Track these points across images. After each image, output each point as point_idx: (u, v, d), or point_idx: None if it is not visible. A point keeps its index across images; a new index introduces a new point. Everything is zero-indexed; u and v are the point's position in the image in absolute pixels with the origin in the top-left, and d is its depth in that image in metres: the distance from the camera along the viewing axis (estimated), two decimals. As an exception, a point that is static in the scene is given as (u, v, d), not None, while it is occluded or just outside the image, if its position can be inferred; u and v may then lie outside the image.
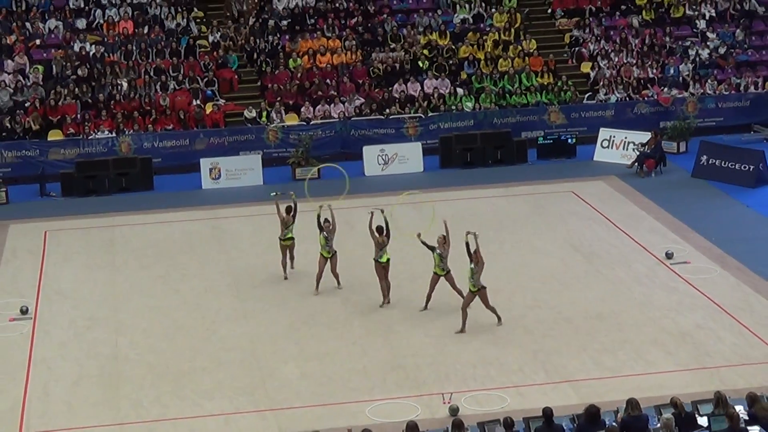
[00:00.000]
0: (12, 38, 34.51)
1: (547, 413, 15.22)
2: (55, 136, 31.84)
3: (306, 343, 20.24)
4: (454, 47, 35.81)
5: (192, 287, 23.20)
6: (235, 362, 19.51)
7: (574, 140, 32.80)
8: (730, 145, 31.12)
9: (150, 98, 33.06)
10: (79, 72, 33.60)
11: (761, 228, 25.94)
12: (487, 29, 36.75)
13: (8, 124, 31.72)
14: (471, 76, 34.88)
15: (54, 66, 33.75)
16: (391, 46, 35.71)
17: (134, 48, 34.66)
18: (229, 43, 35.40)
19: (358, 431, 14.97)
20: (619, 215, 26.94)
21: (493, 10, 37.48)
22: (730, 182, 29.24)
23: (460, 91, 34.27)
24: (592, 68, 35.71)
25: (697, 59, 36.02)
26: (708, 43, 36.61)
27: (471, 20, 37.17)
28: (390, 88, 34.13)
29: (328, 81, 34.31)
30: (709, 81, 35.09)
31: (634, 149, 31.40)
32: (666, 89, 34.74)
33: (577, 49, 36.58)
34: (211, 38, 35.66)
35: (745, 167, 29.43)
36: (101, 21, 35.72)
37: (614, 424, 15.09)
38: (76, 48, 34.34)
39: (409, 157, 31.84)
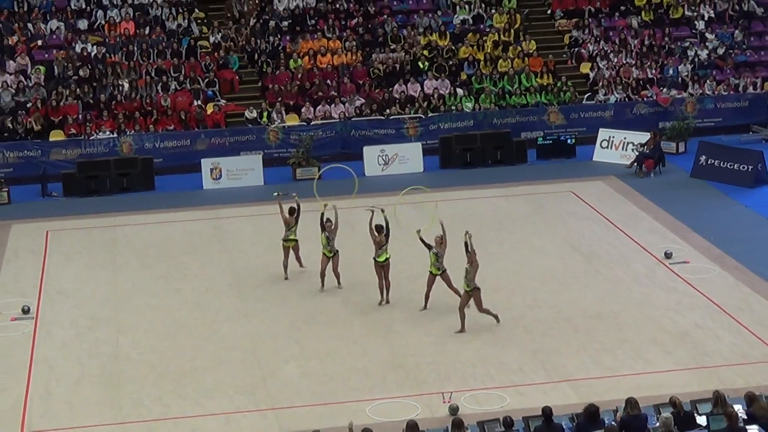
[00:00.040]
0: (14, 39, 34.59)
1: (547, 412, 15.26)
2: (56, 136, 31.91)
3: (306, 342, 20.31)
4: (454, 48, 35.89)
5: (193, 287, 23.28)
6: (236, 361, 19.57)
7: (573, 140, 32.87)
8: (728, 146, 31.18)
9: (151, 99, 33.14)
10: (81, 72, 33.68)
11: (760, 228, 26.00)
12: (487, 30, 36.82)
13: (10, 125, 31.79)
14: (471, 77, 34.95)
15: (56, 66, 33.82)
16: (392, 47, 35.78)
17: (135, 49, 34.72)
18: (230, 44, 35.47)
19: (358, 430, 15.01)
20: (619, 215, 27.01)
21: (493, 11, 37.54)
22: (728, 182, 29.30)
23: (459, 91, 34.34)
24: (592, 69, 35.78)
25: (696, 60, 36.09)
26: (707, 44, 36.68)
27: (471, 21, 37.24)
28: (390, 89, 34.21)
29: (328, 81, 34.38)
30: (707, 81, 35.16)
31: (633, 149, 31.47)
32: (665, 90, 34.81)
33: (576, 49, 36.66)
34: (212, 39, 35.74)
35: (743, 167, 29.49)
36: (103, 22, 35.79)
37: (613, 423, 15.14)
38: (78, 49, 34.41)
39: (409, 157, 31.92)
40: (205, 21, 36.88)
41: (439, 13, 37.23)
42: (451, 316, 20.58)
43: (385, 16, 36.87)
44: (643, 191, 28.90)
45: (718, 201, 28.27)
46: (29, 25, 35.32)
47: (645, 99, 34.56)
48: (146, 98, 33.15)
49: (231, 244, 25.84)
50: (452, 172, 31.60)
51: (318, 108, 33.41)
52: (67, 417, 17.84)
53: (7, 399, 18.47)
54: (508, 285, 22.69)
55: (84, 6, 36.27)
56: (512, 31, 36.62)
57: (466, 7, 37.62)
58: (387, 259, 21.74)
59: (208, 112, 33.16)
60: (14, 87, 33.00)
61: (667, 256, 23.83)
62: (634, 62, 35.75)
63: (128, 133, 32.08)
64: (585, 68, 36.02)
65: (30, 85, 33.24)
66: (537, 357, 19.36)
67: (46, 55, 34.43)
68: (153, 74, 34.01)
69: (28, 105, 32.51)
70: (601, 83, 34.86)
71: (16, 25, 35.10)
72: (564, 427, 15.52)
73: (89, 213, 28.56)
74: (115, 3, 36.15)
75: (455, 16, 37.34)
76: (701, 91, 34.96)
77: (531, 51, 35.96)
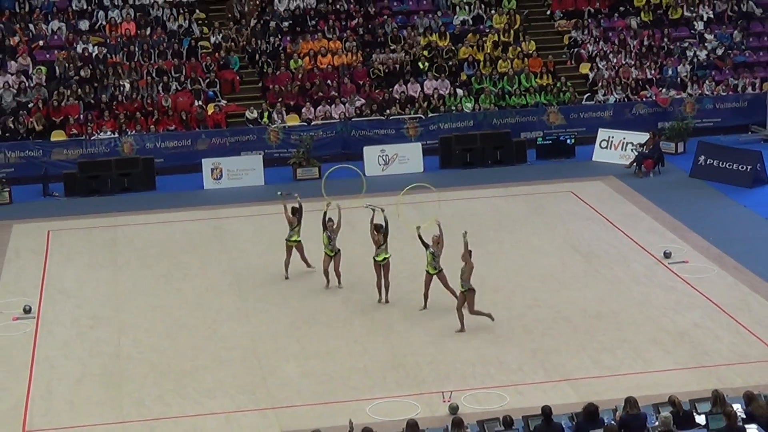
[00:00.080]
0: (15, 39, 34.66)
1: (546, 411, 15.29)
2: (58, 136, 31.99)
3: (307, 341, 20.37)
4: (453, 48, 35.95)
5: (194, 286, 23.33)
6: (236, 361, 19.63)
7: (573, 141, 32.93)
8: (727, 146, 31.23)
9: (152, 99, 33.21)
10: (82, 73, 33.75)
11: (758, 228, 26.05)
12: (487, 31, 36.88)
13: (11, 125, 31.86)
14: (471, 77, 35.02)
15: (57, 67, 33.89)
16: (392, 48, 35.84)
17: (136, 49, 34.79)
18: (230, 45, 35.54)
19: (359, 429, 15.07)
20: (618, 215, 27.06)
21: (493, 11, 37.60)
22: (727, 182, 29.36)
23: (459, 91, 34.41)
24: (591, 69, 35.85)
25: (695, 60, 36.16)
26: (706, 45, 36.75)
27: (470, 22, 37.30)
28: (390, 89, 34.28)
29: (328, 82, 34.45)
30: (706, 82, 35.22)
31: (632, 149, 31.53)
32: (664, 90, 34.87)
33: (575, 50, 36.72)
34: (212, 39, 35.81)
35: (742, 167, 29.54)
36: (104, 22, 35.84)
37: (613, 422, 15.16)
38: (79, 49, 34.47)
39: (409, 157, 31.98)
40: (206, 22, 36.94)
41: (439, 13, 37.29)
42: (451, 316, 20.62)
43: (386, 17, 36.93)
44: (642, 191, 28.95)
45: (717, 201, 28.32)
46: (31, 26, 35.39)
47: (644, 99, 34.63)
48: (147, 98, 33.22)
49: (231, 244, 25.90)
50: (452, 172, 31.66)
51: (318, 108, 33.48)
52: (68, 416, 17.89)
53: (9, 398, 18.52)
54: (508, 285, 22.75)
55: (85, 7, 36.33)
56: (512, 31, 36.69)
57: (466, 7, 37.69)
58: (385, 258, 21.79)
59: (209, 112, 33.22)
60: (16, 87, 33.06)
61: (667, 255, 23.89)
62: (633, 63, 35.81)
63: (129, 133, 32.15)
64: (584, 69, 36.09)
65: (31, 85, 33.31)
66: (536, 356, 19.41)
67: (48, 56, 34.50)
68: (154, 75, 34.08)
69: (29, 105, 32.59)
70: (600, 83, 34.93)
71: (18, 25, 35.17)
72: (563, 426, 15.54)
73: (90, 213, 28.62)
74: (116, 4, 36.21)
75: (455, 16, 37.41)
76: (700, 92, 35.02)
77: (530, 51, 36.02)
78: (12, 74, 33.51)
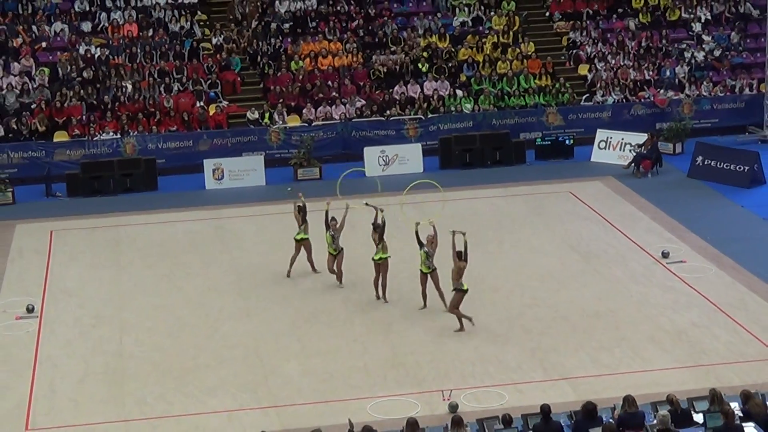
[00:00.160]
0: (18, 41, 34.74)
1: (545, 410, 15.35)
2: (60, 137, 32.09)
3: (308, 340, 20.46)
4: (453, 50, 36.05)
5: (195, 286, 23.43)
6: (238, 359, 19.72)
7: (571, 141, 33.01)
8: (725, 146, 31.24)
9: (154, 100, 33.31)
10: (85, 74, 33.85)
11: (756, 228, 26.14)
12: (486, 32, 36.96)
13: (14, 126, 31.97)
14: (470, 78, 35.12)
15: (59, 68, 33.97)
16: (392, 49, 35.95)
17: (138, 50, 34.88)
18: (232, 46, 35.63)
19: (359, 427, 15.18)
20: (616, 215, 27.15)
21: (492, 13, 37.69)
22: (725, 183, 29.43)
23: (459, 92, 34.51)
24: (590, 70, 35.94)
25: (693, 61, 36.25)
26: (703, 46, 36.85)
27: (470, 23, 37.40)
28: (390, 90, 34.38)
29: (329, 83, 34.55)
30: (704, 83, 35.31)
31: (630, 150, 31.60)
32: (662, 91, 34.96)
33: (574, 51, 36.80)
34: (214, 41, 35.91)
35: (739, 168, 29.63)
36: (106, 24, 35.92)
37: (611, 420, 15.24)
38: (82, 51, 34.56)
39: (409, 158, 32.05)
40: (208, 23, 37.02)
41: (439, 15, 37.39)
42: (451, 315, 20.68)
43: (386, 19, 37.03)
44: (640, 191, 29.03)
45: (714, 201, 28.40)
46: (33, 27, 35.46)
47: (642, 100, 34.71)
48: (149, 99, 33.32)
49: (233, 244, 26.00)
50: (452, 172, 31.70)
51: (319, 109, 33.59)
52: (71, 414, 17.99)
53: (12, 397, 18.62)
54: (507, 284, 22.84)
55: (88, 8, 36.40)
56: (511, 33, 36.78)
57: (466, 9, 37.79)
58: (382, 258, 21.85)
59: (211, 113, 33.32)
60: (19, 88, 33.15)
61: (665, 255, 23.98)
62: (631, 64, 35.90)
63: (131, 134, 32.26)
64: (583, 70, 36.18)
65: (34, 86, 33.41)
66: (535, 355, 19.51)
67: (50, 57, 34.57)
68: (156, 76, 34.17)
69: (32, 106, 32.70)
70: (598, 84, 35.03)
71: (21, 27, 35.23)
72: (562, 424, 15.58)
73: (93, 213, 28.70)
74: (118, 5, 36.30)
75: (455, 18, 37.50)
76: (698, 93, 35.11)
77: (529, 53, 36.12)
78: (15, 75, 33.61)
